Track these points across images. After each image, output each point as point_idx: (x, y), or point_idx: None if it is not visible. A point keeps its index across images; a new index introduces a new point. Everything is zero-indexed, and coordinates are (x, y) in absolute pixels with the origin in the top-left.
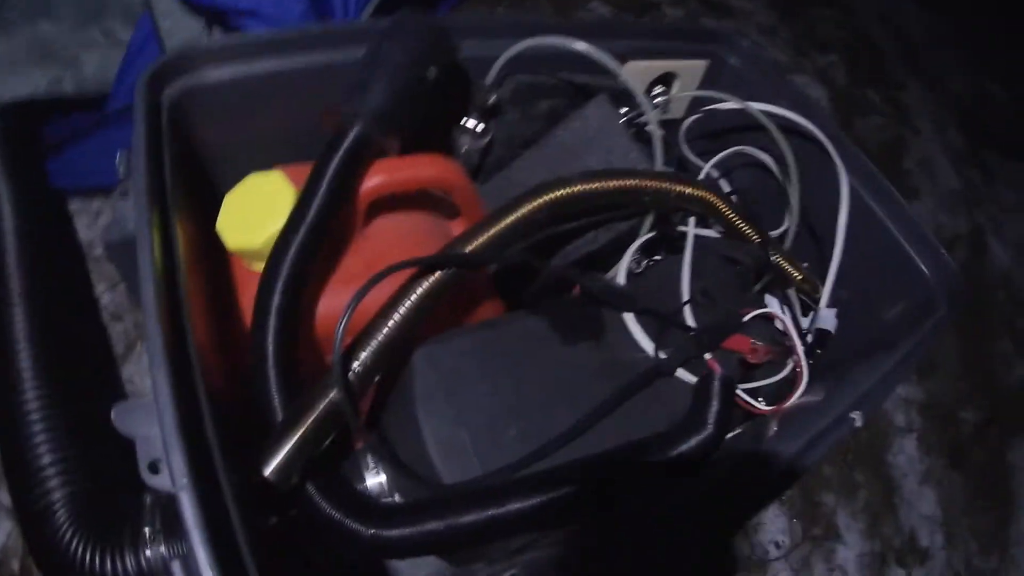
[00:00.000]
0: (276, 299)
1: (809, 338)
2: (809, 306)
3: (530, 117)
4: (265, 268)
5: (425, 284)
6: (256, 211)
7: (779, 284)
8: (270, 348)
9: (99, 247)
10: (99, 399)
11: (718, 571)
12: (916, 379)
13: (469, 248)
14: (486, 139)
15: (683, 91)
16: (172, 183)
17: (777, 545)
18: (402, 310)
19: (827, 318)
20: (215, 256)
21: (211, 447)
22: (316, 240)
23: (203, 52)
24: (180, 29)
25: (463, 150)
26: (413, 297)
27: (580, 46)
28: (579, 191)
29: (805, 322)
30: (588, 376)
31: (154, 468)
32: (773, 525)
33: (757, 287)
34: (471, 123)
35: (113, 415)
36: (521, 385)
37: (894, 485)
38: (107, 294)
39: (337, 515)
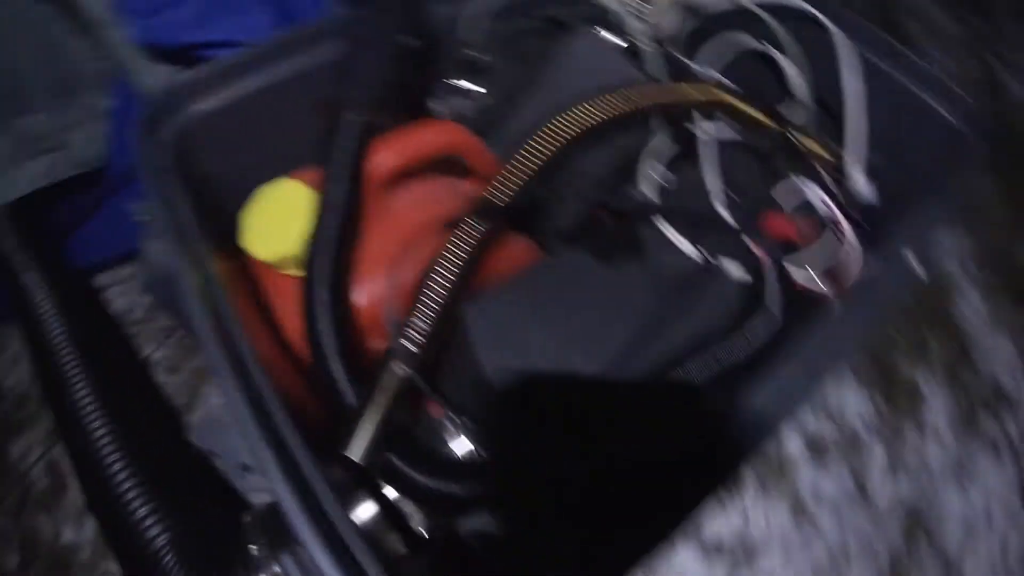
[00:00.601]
0: (324, 294)
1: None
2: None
3: (518, 65)
4: (308, 266)
5: (465, 240)
6: (278, 219)
7: (805, 166)
8: (330, 340)
9: (137, 310)
10: (173, 449)
11: (811, 455)
12: (963, 228)
13: (501, 196)
14: (479, 95)
15: None
16: (194, 214)
17: (863, 420)
18: (448, 271)
19: (865, 189)
20: (247, 273)
21: (289, 444)
22: (349, 230)
23: (188, 86)
24: (158, 80)
25: (455, 110)
26: (457, 256)
27: None
28: (594, 120)
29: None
30: (637, 293)
31: (245, 468)
32: (854, 401)
33: (784, 172)
34: (462, 82)
35: (195, 435)
36: (574, 316)
37: (966, 337)
38: (159, 351)
39: (432, 483)
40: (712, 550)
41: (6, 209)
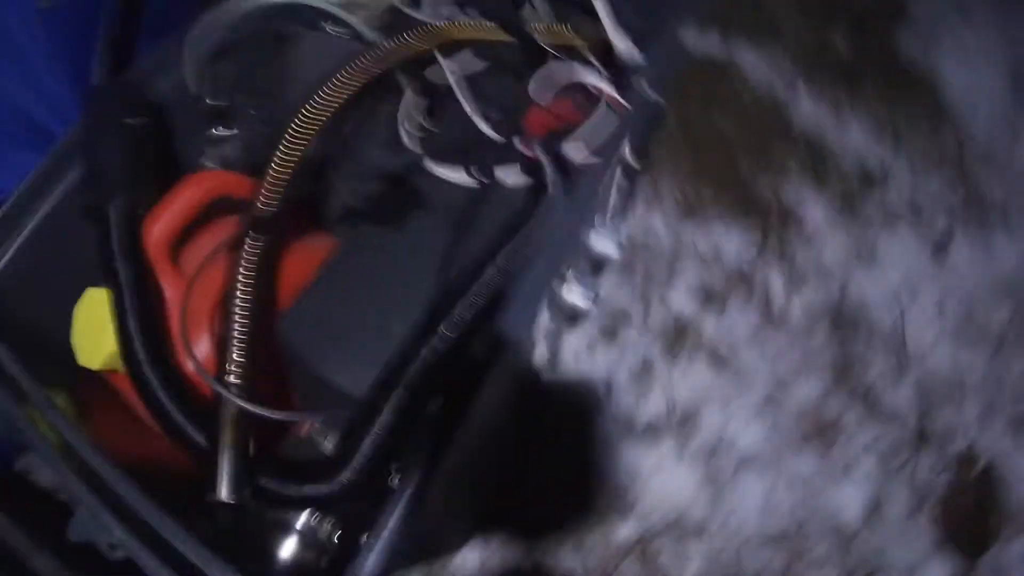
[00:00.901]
0: (151, 375)
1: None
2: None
3: (260, 89)
4: (125, 363)
5: (246, 259)
6: (92, 330)
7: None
8: (167, 406)
9: None
10: None
11: (706, 306)
12: (771, 41)
13: (268, 204)
14: (235, 135)
15: None
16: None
17: (745, 255)
18: (241, 295)
19: (627, 51)
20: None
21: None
22: (150, 322)
23: None
24: None
25: (223, 158)
26: (244, 277)
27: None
28: (328, 104)
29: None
30: (431, 241)
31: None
32: (728, 241)
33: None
34: (214, 131)
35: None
36: (379, 288)
37: (815, 139)
38: None
39: (301, 492)
40: (650, 436)
41: None
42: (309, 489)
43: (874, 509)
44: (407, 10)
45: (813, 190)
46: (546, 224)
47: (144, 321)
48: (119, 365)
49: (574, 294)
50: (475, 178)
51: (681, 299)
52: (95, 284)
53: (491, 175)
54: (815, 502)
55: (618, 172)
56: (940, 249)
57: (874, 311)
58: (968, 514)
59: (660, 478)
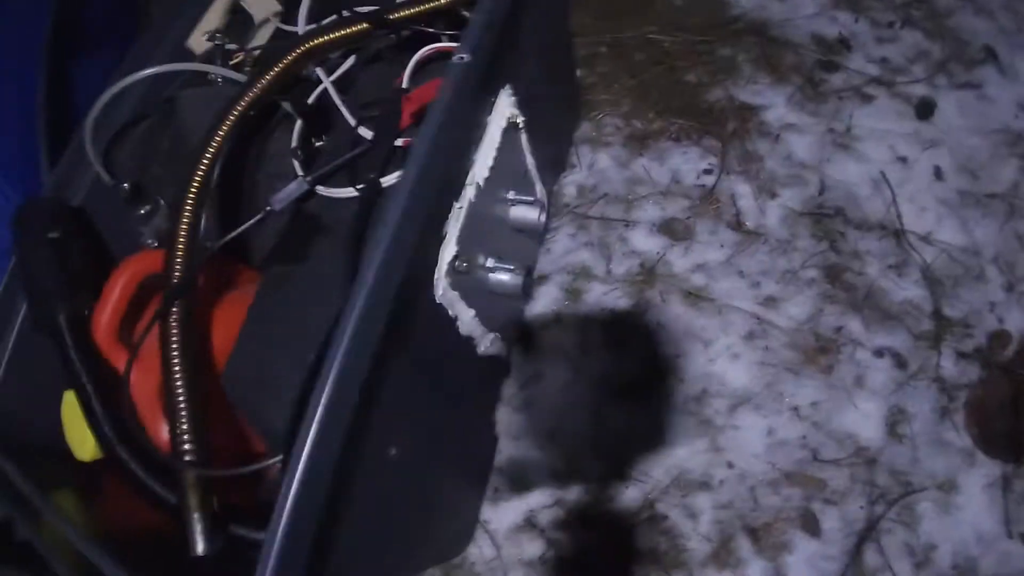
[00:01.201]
0: (122, 454)
1: None
2: None
3: (163, 159)
4: (100, 448)
5: (167, 329)
6: (76, 427)
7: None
8: (141, 477)
9: None
10: None
11: (669, 241)
12: None
13: (176, 269)
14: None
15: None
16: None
17: (705, 173)
18: (174, 369)
19: None
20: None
21: None
22: (112, 408)
23: None
24: None
25: (157, 233)
26: (170, 346)
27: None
28: (213, 148)
29: None
30: (338, 266)
31: None
32: (684, 161)
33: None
34: (137, 212)
35: None
36: (299, 326)
37: (765, 26)
38: None
39: None
40: (632, 393)
41: None
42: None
43: (895, 423)
44: (286, 27)
45: (769, 83)
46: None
47: (107, 408)
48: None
49: (501, 276)
50: (361, 193)
51: (643, 239)
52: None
53: (379, 189)
54: (827, 428)
55: (518, 136)
56: (925, 108)
57: (861, 197)
58: (1004, 410)
59: (653, 436)
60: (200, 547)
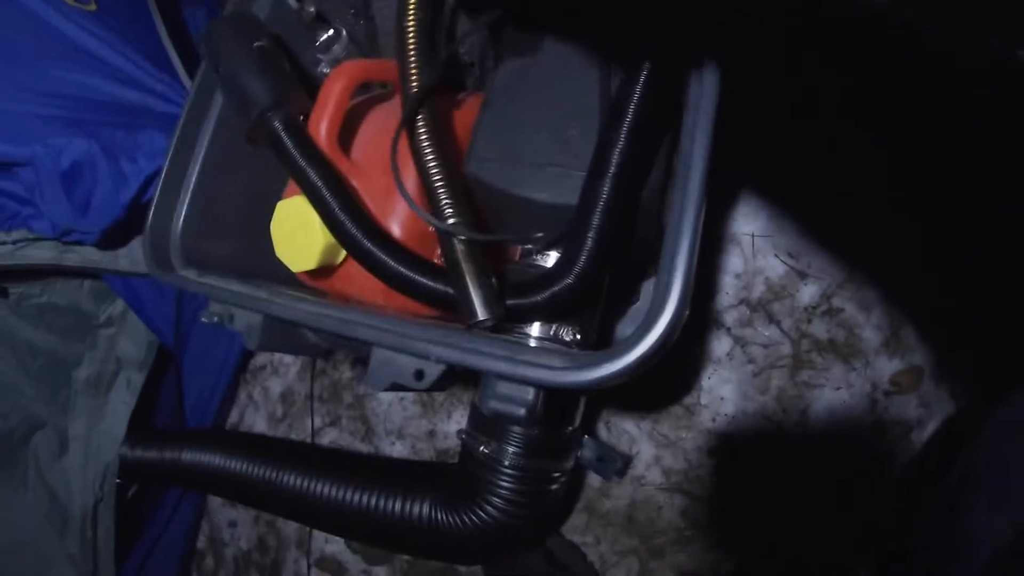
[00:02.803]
0: (373, 247)
1: None
2: None
3: None
4: (346, 246)
5: (419, 127)
6: (298, 236)
7: None
8: (399, 268)
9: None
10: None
11: None
12: None
13: (414, 82)
14: (339, 34)
15: None
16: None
17: None
18: (427, 151)
19: None
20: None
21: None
22: (353, 205)
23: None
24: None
25: (335, 57)
26: (423, 139)
27: None
28: None
29: None
30: (572, 46)
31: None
32: None
33: None
34: (321, 35)
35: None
36: (546, 105)
37: None
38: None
39: (546, 293)
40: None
41: None
42: (548, 294)
43: None
44: None
45: None
46: None
47: (348, 206)
48: (334, 257)
49: None
50: None
51: None
52: (269, 203)
53: None
54: None
55: None
56: None
57: None
58: None
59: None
60: (481, 313)
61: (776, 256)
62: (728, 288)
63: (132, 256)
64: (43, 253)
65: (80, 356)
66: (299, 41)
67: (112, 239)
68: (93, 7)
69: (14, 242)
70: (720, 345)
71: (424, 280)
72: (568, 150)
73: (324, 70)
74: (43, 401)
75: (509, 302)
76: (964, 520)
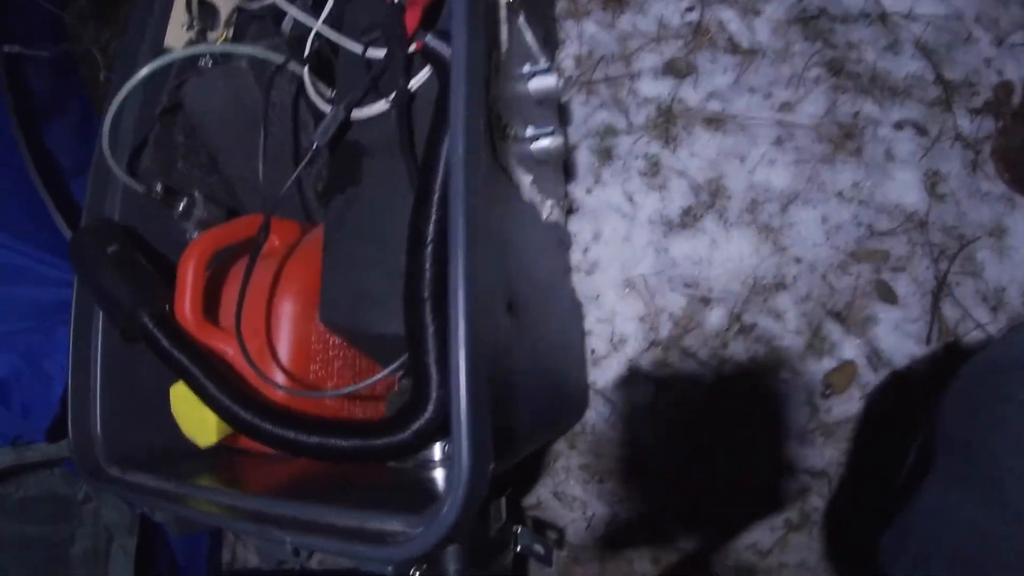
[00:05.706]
0: (253, 420)
1: None
2: None
3: (186, 153)
4: (229, 423)
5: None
6: (192, 418)
7: None
8: (271, 431)
9: None
10: None
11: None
12: None
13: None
14: (196, 198)
15: None
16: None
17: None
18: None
19: None
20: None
21: None
22: (225, 381)
23: None
24: None
25: (197, 223)
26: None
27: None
28: None
29: None
30: (390, 175)
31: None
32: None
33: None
34: (177, 209)
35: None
36: (377, 238)
37: None
38: None
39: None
40: (690, 223)
41: None
42: (411, 433)
43: (933, 185)
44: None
45: None
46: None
47: (221, 384)
48: (226, 436)
49: (543, 142)
50: (394, 103)
51: (652, 85)
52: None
53: (408, 95)
54: (874, 203)
55: (515, 16)
56: None
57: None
58: None
59: (719, 255)
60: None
61: (672, 290)
62: (635, 335)
63: None
64: (3, 459)
65: (71, 535)
66: (163, 217)
67: (58, 432)
68: None
69: None
70: (643, 394)
71: (305, 439)
72: (403, 277)
73: (192, 235)
74: None
75: (378, 442)
76: (923, 500)
